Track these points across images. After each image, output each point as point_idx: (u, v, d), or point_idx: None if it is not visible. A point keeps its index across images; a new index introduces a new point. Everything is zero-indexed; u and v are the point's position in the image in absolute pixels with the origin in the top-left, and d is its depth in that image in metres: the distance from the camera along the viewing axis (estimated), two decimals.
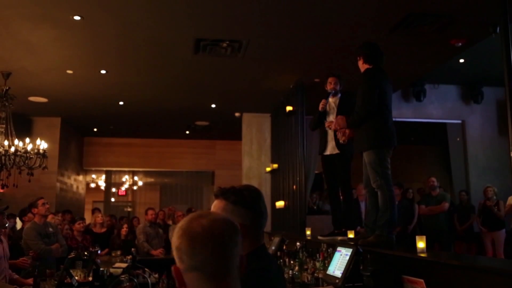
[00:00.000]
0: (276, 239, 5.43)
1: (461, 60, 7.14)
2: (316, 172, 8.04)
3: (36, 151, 6.54)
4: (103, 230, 7.65)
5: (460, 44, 5.51)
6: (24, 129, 8.16)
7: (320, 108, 4.91)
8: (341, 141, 4.08)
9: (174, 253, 1.10)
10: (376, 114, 3.63)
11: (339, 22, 5.00)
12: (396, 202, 7.23)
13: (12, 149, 6.32)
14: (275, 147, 8.51)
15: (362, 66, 3.84)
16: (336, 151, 4.72)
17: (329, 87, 4.94)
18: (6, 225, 5.50)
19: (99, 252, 5.86)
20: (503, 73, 3.58)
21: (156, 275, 4.78)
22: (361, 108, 3.67)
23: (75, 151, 11.00)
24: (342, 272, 3.15)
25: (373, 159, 3.59)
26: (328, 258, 3.81)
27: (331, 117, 4.84)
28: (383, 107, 3.65)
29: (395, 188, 6.97)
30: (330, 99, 4.93)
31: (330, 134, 4.83)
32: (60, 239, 5.47)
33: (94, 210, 9.62)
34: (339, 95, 4.94)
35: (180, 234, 1.10)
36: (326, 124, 4.81)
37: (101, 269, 3.93)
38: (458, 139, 9.00)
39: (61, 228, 6.43)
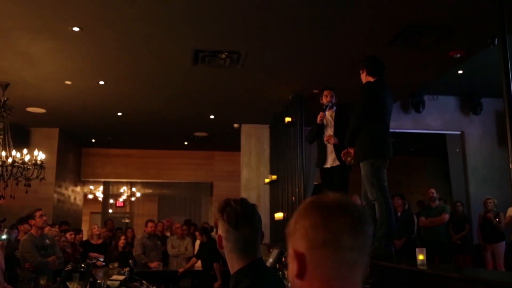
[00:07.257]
0: (275, 251, 5.38)
1: (460, 72, 7.16)
2: (315, 183, 8.00)
3: (33, 162, 6.50)
4: (100, 241, 7.61)
5: (458, 55, 5.53)
6: (22, 140, 8.12)
7: (318, 121, 4.95)
8: (347, 162, 4.07)
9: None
10: (372, 126, 3.67)
11: (338, 34, 5.01)
12: (399, 213, 7.15)
13: (10, 160, 6.29)
14: (274, 158, 8.48)
15: (365, 78, 3.87)
16: (337, 163, 4.72)
17: (325, 100, 5.00)
18: (3, 237, 5.46)
19: (98, 260, 5.80)
20: (502, 84, 3.58)
21: (154, 287, 4.73)
22: (352, 124, 3.76)
23: (73, 162, 10.96)
24: None
25: (368, 170, 3.62)
26: None
27: (329, 130, 4.88)
28: (379, 119, 3.69)
29: (397, 199, 6.96)
30: (327, 112, 4.97)
31: (330, 147, 4.85)
32: (57, 251, 5.41)
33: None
34: (335, 108, 4.99)
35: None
36: (325, 139, 4.84)
37: (98, 281, 3.89)
38: (457, 150, 8.98)
39: (58, 240, 6.37)
